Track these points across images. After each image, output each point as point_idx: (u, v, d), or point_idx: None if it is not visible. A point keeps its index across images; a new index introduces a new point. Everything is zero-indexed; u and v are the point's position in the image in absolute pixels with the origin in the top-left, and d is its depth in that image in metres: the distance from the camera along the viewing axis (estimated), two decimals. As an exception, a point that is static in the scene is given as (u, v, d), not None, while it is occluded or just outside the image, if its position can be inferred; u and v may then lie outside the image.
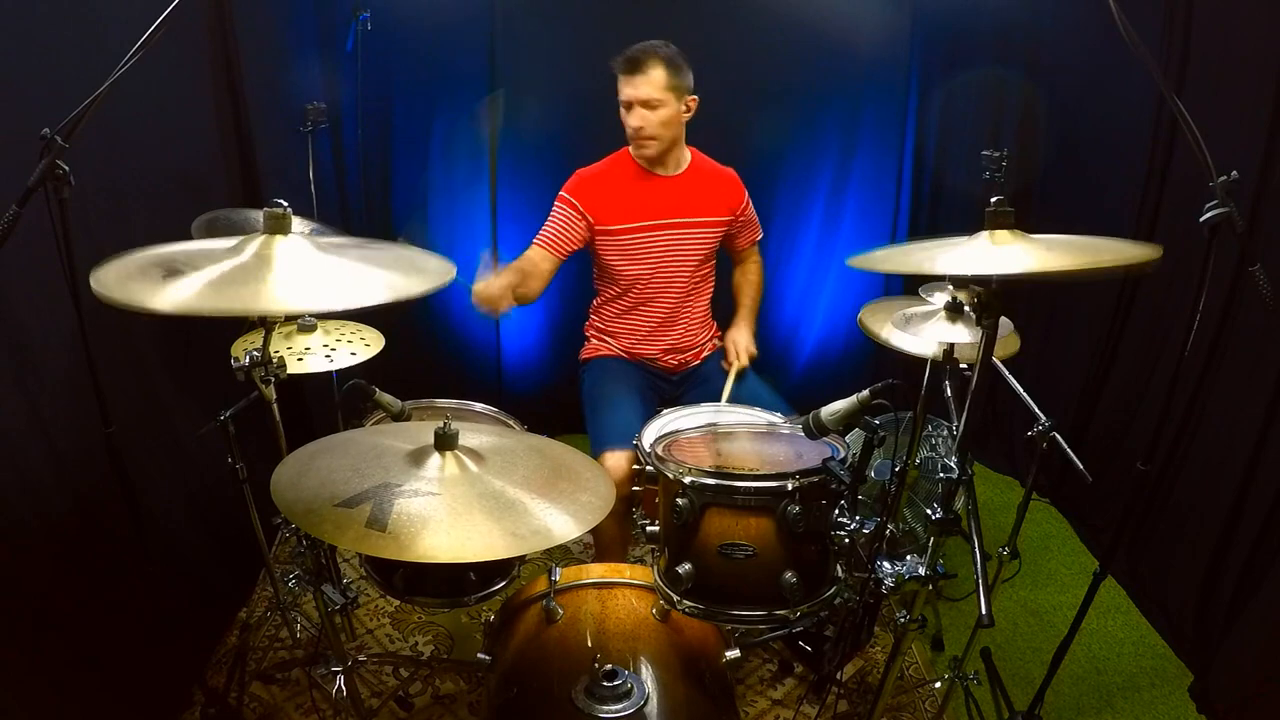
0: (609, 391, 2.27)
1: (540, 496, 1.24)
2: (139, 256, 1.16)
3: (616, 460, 1.99)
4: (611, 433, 2.08)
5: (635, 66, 2.17)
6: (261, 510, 1.74)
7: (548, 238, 2.29)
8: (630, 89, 2.18)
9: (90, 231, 1.67)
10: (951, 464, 1.40)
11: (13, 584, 1.48)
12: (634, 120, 2.21)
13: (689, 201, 2.34)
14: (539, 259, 2.27)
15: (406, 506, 1.16)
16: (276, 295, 1.10)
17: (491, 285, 2.03)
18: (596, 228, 2.30)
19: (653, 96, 2.17)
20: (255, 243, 1.18)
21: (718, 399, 2.19)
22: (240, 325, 1.98)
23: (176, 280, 1.08)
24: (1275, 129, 2.10)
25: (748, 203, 2.47)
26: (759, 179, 2.41)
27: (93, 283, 1.07)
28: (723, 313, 2.57)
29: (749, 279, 2.57)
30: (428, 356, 3.27)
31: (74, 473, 1.67)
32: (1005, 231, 1.30)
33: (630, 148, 2.32)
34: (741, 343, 2.39)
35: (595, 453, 2.07)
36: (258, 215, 1.19)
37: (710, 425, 1.80)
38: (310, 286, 1.15)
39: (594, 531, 2.16)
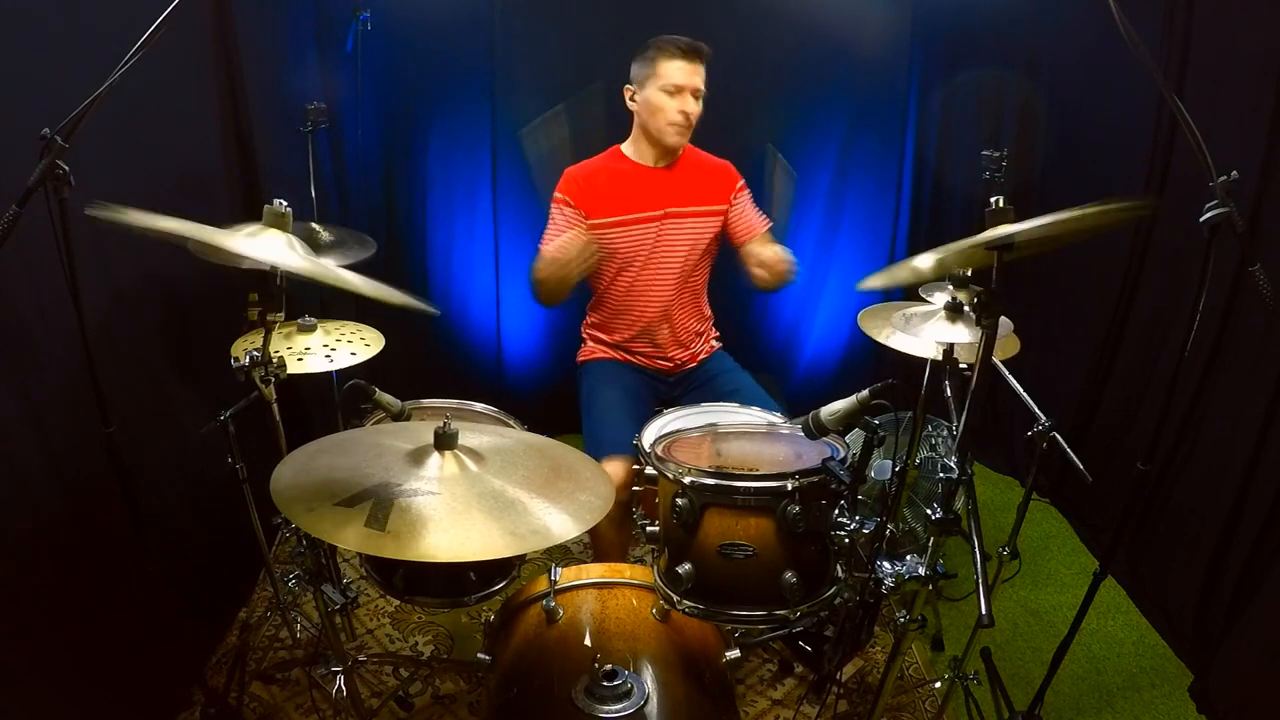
0: (605, 397, 2.25)
1: (540, 496, 1.24)
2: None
3: (614, 468, 1.96)
4: (608, 441, 2.06)
5: (699, 55, 2.17)
6: (261, 510, 1.75)
7: (550, 240, 2.27)
8: (691, 77, 2.19)
9: (90, 231, 1.67)
10: (951, 464, 1.40)
11: (13, 584, 1.48)
12: (688, 106, 2.20)
13: (678, 192, 2.32)
14: None
15: (406, 506, 1.16)
16: None
17: (570, 245, 2.06)
18: (588, 222, 2.29)
19: (702, 88, 2.21)
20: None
21: (715, 401, 2.10)
22: (240, 325, 1.98)
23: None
24: (1275, 129, 2.10)
25: (741, 191, 2.39)
26: (759, 178, 2.40)
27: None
28: (726, 319, 2.57)
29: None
30: (428, 356, 3.27)
31: (74, 473, 1.67)
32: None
33: (655, 136, 2.27)
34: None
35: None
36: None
37: (710, 425, 1.80)
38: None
39: (593, 536, 2.16)
